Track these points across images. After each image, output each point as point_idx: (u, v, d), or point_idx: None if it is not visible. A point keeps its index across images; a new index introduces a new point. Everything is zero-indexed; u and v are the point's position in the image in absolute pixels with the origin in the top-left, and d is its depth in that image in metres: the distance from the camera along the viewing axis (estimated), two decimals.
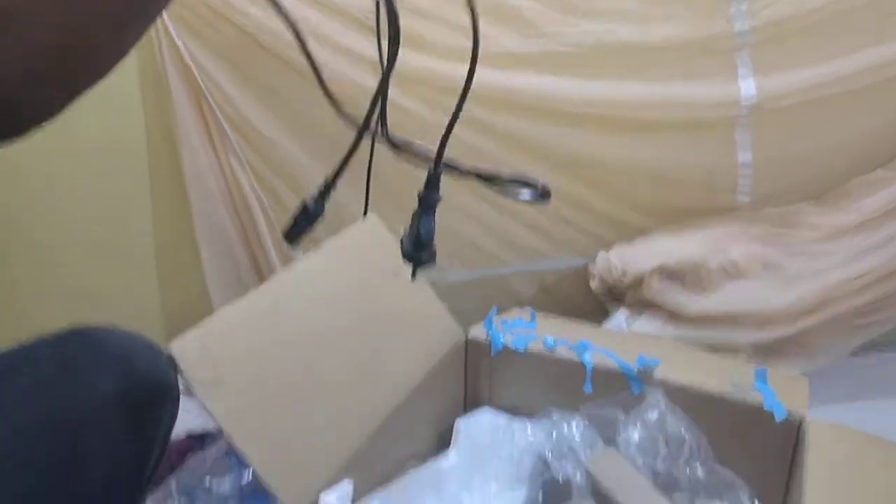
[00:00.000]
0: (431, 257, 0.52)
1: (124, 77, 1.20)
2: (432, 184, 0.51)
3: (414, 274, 0.53)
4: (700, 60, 1.12)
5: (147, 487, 0.66)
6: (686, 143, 1.17)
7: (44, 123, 0.50)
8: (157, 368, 0.63)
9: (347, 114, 0.36)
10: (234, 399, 0.67)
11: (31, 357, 0.60)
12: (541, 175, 1.22)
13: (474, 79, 1.18)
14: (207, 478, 0.84)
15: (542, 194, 0.51)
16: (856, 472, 0.68)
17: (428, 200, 0.52)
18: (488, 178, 0.55)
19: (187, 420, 1.11)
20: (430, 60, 1.12)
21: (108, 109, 1.21)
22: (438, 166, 0.49)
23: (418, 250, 0.52)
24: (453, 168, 0.54)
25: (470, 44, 0.50)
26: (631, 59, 1.12)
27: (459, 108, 0.48)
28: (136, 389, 0.61)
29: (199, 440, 1.00)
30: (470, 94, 1.21)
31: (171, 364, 0.65)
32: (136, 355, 0.63)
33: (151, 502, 0.84)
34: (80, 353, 0.61)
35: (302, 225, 0.62)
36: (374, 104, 0.57)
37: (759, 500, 0.75)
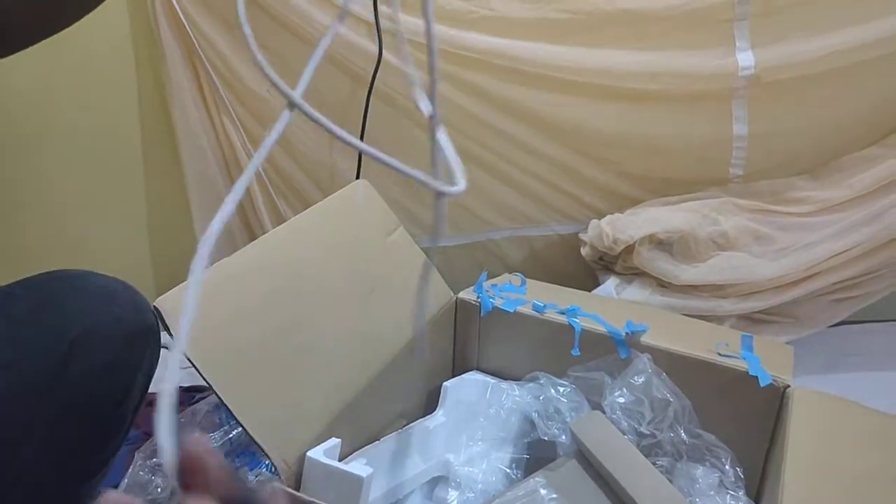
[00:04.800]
0: None
1: (116, 32, 1.19)
2: None
3: None
4: (698, 31, 1.11)
5: (129, 427, 0.66)
6: (681, 115, 1.16)
7: (30, 46, 0.52)
8: (137, 309, 0.64)
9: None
10: (223, 356, 0.67)
11: (10, 297, 0.60)
12: (534, 142, 1.23)
13: (472, 44, 1.17)
14: (197, 433, 0.84)
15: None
16: (838, 439, 0.69)
17: None
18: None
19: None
20: (434, 26, 1.11)
21: (100, 66, 1.20)
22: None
23: None
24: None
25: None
26: (628, 27, 1.12)
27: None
28: (115, 325, 0.61)
29: (188, 395, 1.00)
30: (467, 60, 1.21)
31: (157, 315, 0.65)
32: (115, 295, 0.63)
33: (140, 455, 0.85)
34: (59, 292, 0.61)
35: None
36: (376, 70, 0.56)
37: (741, 465, 0.76)
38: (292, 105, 0.30)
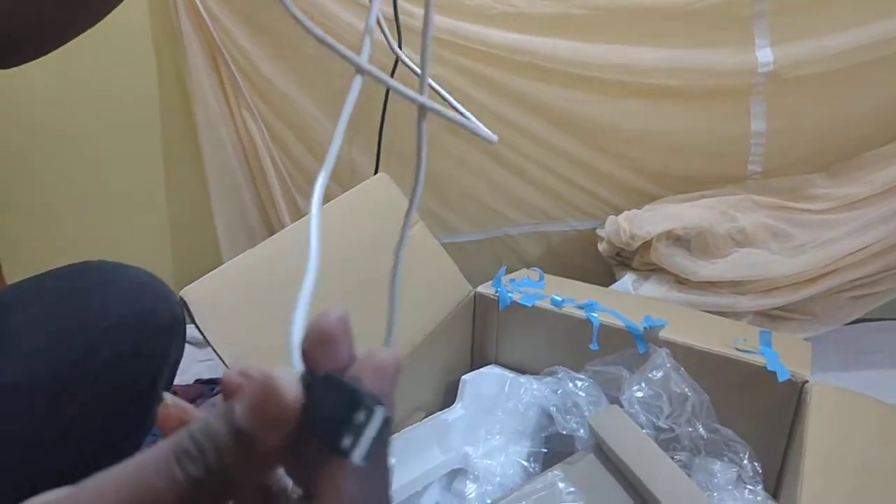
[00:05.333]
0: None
1: (138, 28, 1.20)
2: None
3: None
4: (717, 28, 1.11)
5: (155, 417, 0.67)
6: (700, 111, 1.16)
7: (43, 55, 0.53)
8: (164, 300, 0.64)
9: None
10: (245, 347, 0.68)
11: (41, 287, 0.61)
12: (552, 138, 1.23)
13: (492, 40, 1.17)
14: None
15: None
16: (856, 434, 0.69)
17: None
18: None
19: (197, 368, 1.13)
20: (455, 23, 1.12)
21: (120, 61, 1.21)
22: None
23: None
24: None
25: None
26: (648, 24, 1.12)
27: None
28: (145, 317, 0.62)
29: (208, 387, 1.01)
30: (487, 56, 1.21)
31: (182, 305, 0.66)
32: (145, 287, 0.64)
33: None
34: (90, 283, 0.62)
35: None
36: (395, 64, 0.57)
37: (758, 460, 0.76)
38: (361, 71, 0.31)
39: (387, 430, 0.21)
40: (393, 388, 0.23)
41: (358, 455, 0.21)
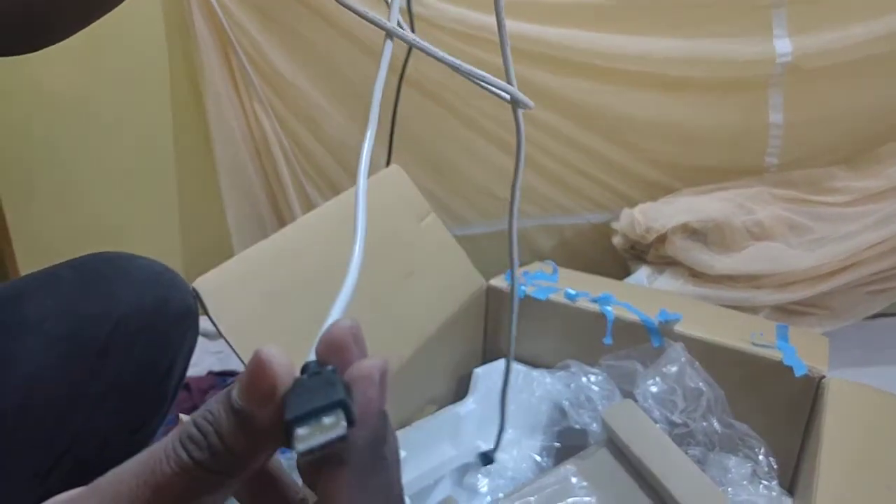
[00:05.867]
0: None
1: (149, 21, 1.20)
2: None
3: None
4: (735, 18, 1.10)
5: (170, 406, 0.67)
6: (717, 102, 1.15)
7: (69, 36, 0.53)
8: (178, 291, 0.65)
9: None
10: (258, 339, 0.68)
11: (57, 277, 0.61)
12: (566, 130, 1.22)
13: (507, 29, 1.17)
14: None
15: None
16: (874, 430, 0.68)
17: None
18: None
19: (209, 360, 1.13)
20: (467, 12, 1.11)
21: (132, 54, 1.21)
22: None
23: None
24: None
25: None
26: (665, 13, 1.11)
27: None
28: (160, 307, 0.62)
29: (220, 378, 1.02)
30: (498, 46, 1.20)
31: (195, 296, 0.66)
32: (159, 277, 0.64)
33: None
34: (105, 273, 0.62)
35: None
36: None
37: (774, 456, 0.75)
38: (390, 35, 0.32)
39: (342, 444, 0.22)
40: (380, 396, 0.23)
41: (299, 446, 0.21)
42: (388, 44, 0.33)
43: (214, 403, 0.23)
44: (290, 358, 0.23)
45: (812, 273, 1.09)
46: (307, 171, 1.29)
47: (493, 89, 0.37)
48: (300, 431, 0.21)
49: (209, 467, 0.22)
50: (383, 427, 0.24)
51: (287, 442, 0.22)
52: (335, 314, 0.27)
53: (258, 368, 0.22)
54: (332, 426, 0.21)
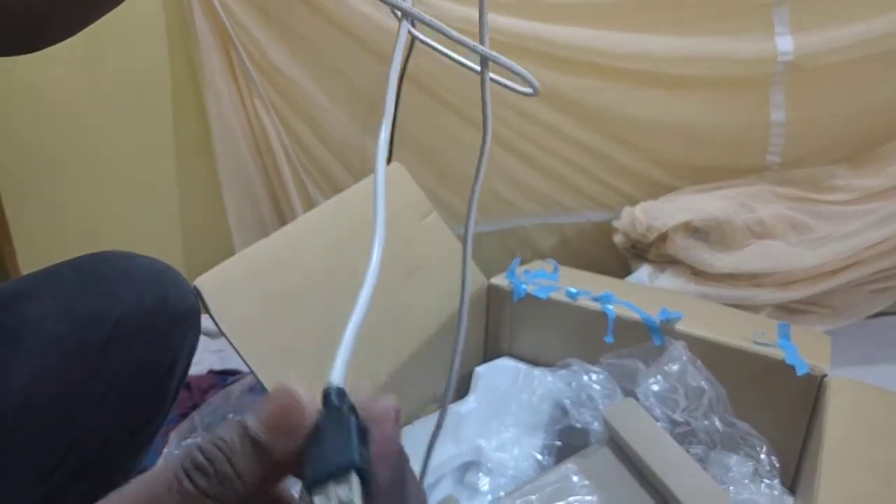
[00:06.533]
0: None
1: (150, 18, 1.20)
2: None
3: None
4: (737, 16, 1.09)
5: (171, 405, 0.67)
6: (718, 101, 1.15)
7: (71, 35, 0.53)
8: (179, 290, 0.65)
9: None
10: (259, 337, 0.68)
11: (59, 276, 0.61)
12: (567, 128, 1.22)
13: (506, 28, 1.16)
14: (231, 415, 0.85)
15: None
16: (875, 429, 0.68)
17: None
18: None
19: (210, 359, 1.13)
20: (469, 10, 1.11)
21: (132, 49, 1.21)
22: None
23: None
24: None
25: None
26: (666, 11, 1.10)
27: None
28: (161, 305, 0.62)
29: (221, 377, 1.01)
30: (500, 44, 1.20)
31: (196, 295, 0.66)
32: (160, 276, 0.64)
33: (175, 436, 0.86)
34: (106, 272, 0.62)
35: None
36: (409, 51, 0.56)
37: (775, 455, 0.75)
38: (406, 15, 0.32)
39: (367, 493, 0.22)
40: (397, 434, 0.23)
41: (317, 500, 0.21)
42: (404, 24, 0.33)
43: (226, 431, 0.23)
44: (314, 393, 0.23)
45: (814, 272, 1.09)
46: (308, 170, 1.29)
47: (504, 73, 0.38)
48: (318, 500, 0.21)
49: (213, 496, 0.22)
50: (401, 467, 0.24)
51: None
52: (353, 325, 0.28)
53: (286, 405, 0.22)
54: (347, 496, 0.21)
